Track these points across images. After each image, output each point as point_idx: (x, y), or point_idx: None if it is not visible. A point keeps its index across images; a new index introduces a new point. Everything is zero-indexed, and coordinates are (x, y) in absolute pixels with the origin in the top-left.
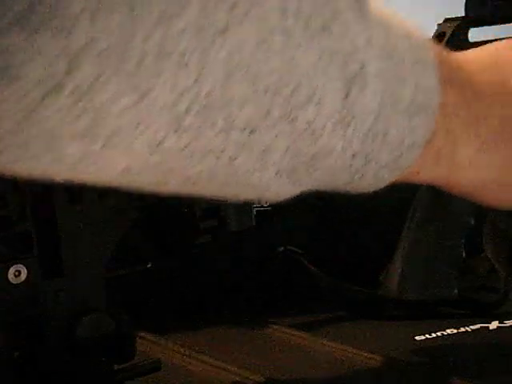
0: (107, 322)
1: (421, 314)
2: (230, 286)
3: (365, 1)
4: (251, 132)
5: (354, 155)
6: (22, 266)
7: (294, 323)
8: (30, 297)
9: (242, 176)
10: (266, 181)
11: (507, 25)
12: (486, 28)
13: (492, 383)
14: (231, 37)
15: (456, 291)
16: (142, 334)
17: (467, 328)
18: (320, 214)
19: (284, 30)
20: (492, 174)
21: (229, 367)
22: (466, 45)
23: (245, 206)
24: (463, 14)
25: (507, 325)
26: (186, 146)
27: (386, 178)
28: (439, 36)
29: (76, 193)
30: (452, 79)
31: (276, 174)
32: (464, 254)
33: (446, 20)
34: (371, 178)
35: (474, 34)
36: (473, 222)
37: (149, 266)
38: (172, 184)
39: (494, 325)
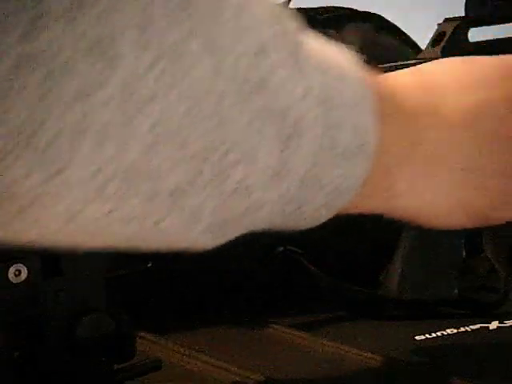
0: (107, 322)
1: (421, 313)
2: (229, 285)
3: (301, 49)
4: (179, 196)
5: (288, 202)
6: (22, 265)
7: (293, 323)
8: (30, 296)
9: (167, 236)
10: (194, 236)
11: (507, 25)
12: (485, 28)
13: (492, 383)
14: (158, 105)
15: (456, 291)
16: (142, 333)
17: (467, 328)
18: None
19: (216, 93)
20: (428, 198)
21: (229, 367)
22: (466, 45)
23: None
24: (463, 14)
25: (507, 325)
26: (106, 214)
27: (322, 216)
28: (439, 36)
29: None
30: (387, 110)
31: (204, 230)
32: (464, 254)
33: (446, 20)
34: (306, 219)
35: (474, 34)
36: None
37: (149, 265)
38: (95, 244)
39: (493, 325)
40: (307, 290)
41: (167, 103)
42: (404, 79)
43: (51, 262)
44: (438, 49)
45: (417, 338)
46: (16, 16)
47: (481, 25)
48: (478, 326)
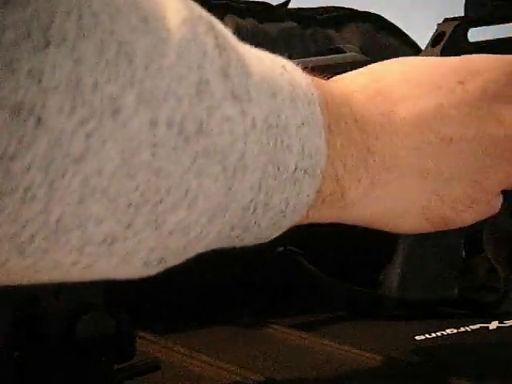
0: (107, 322)
1: (421, 313)
2: (229, 285)
3: (243, 78)
4: (110, 243)
5: (232, 228)
6: None
7: (293, 323)
8: (30, 296)
9: (99, 275)
10: (133, 271)
11: (507, 25)
12: (485, 28)
13: (492, 383)
14: (88, 163)
15: (456, 291)
16: (142, 333)
17: (467, 328)
18: None
19: (153, 142)
20: (386, 205)
21: (229, 367)
22: (466, 45)
23: None
24: (463, 14)
25: (507, 325)
26: (30, 266)
27: (270, 235)
28: (439, 36)
29: None
30: (339, 120)
31: (141, 266)
32: (464, 254)
33: (446, 20)
34: (254, 239)
35: (474, 34)
36: None
37: None
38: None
39: (493, 325)
40: (307, 290)
41: (100, 158)
42: (356, 84)
43: None
44: (437, 49)
45: (417, 337)
46: None
47: (481, 25)
48: (477, 326)
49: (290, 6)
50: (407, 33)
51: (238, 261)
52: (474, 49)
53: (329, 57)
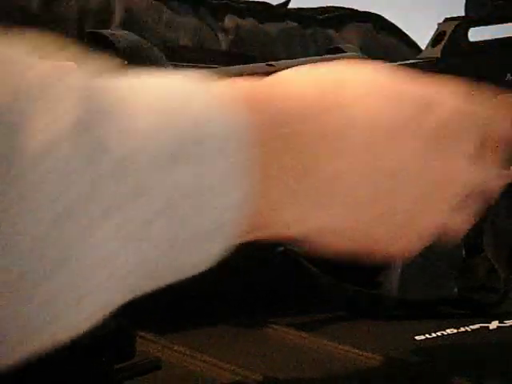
0: (107, 322)
1: (421, 313)
2: (230, 285)
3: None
4: None
5: (147, 278)
6: None
7: (293, 323)
8: None
9: None
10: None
11: (507, 25)
12: (485, 28)
13: (492, 383)
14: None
15: (456, 291)
16: (142, 333)
17: (467, 328)
18: None
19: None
20: (315, 227)
21: (229, 366)
22: (466, 45)
23: None
24: (463, 14)
25: (507, 325)
26: None
27: (194, 271)
28: (439, 36)
29: None
30: (269, 142)
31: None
32: (464, 254)
33: (446, 20)
34: (172, 280)
35: (474, 34)
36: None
37: None
38: None
39: (493, 325)
40: (307, 290)
41: None
42: (291, 93)
43: None
44: (438, 49)
45: (417, 338)
46: None
47: (481, 25)
48: (477, 325)
49: (290, 6)
50: (407, 33)
51: (238, 261)
52: (474, 49)
53: (329, 57)
